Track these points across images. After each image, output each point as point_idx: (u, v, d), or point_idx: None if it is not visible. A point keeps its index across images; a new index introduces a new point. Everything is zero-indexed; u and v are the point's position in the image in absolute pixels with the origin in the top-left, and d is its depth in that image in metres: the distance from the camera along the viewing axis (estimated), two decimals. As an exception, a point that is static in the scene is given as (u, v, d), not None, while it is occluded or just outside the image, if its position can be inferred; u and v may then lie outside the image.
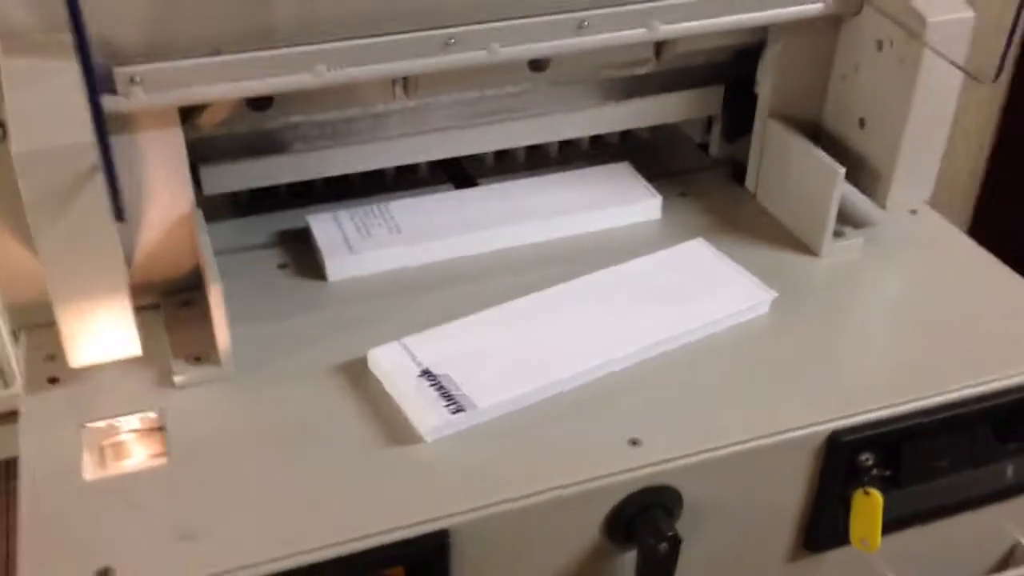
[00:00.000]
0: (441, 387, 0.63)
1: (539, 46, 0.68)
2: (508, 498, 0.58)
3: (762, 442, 0.62)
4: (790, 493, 0.65)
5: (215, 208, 0.81)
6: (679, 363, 0.67)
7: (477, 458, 0.60)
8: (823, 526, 0.67)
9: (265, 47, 0.62)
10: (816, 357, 0.68)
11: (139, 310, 0.68)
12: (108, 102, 0.60)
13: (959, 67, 0.68)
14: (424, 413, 0.61)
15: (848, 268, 0.76)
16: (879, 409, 0.64)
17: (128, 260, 0.68)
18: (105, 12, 0.58)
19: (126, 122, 0.63)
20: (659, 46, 0.78)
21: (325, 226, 0.77)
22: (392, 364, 0.64)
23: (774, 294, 0.71)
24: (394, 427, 0.62)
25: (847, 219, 0.80)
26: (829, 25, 0.77)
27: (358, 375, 0.66)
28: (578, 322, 0.68)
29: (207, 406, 0.63)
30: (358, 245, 0.75)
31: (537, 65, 0.75)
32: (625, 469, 0.60)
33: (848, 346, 0.70)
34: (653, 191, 0.82)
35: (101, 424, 0.62)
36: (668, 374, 0.66)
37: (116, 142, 0.63)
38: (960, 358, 0.68)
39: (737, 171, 0.87)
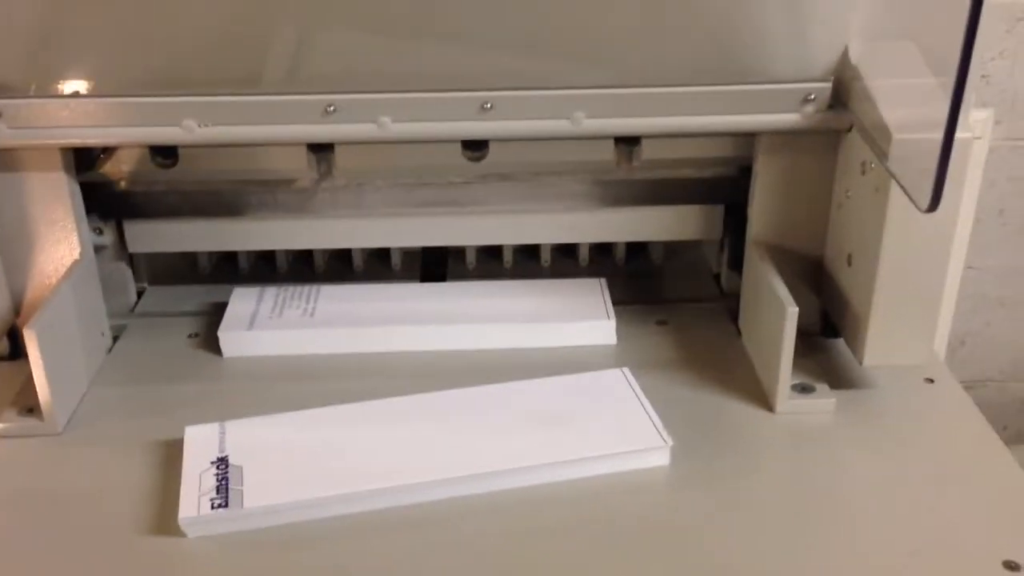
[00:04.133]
0: (225, 479, 0.56)
1: (437, 126, 0.62)
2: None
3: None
4: None
5: (178, 271, 0.80)
6: (518, 501, 0.56)
7: (224, 566, 0.52)
8: None
9: (134, 94, 0.60)
10: (695, 533, 0.54)
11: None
12: (-25, 135, 0.60)
13: (904, 190, 0.54)
14: (188, 504, 0.54)
15: (802, 434, 0.61)
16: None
17: (17, 302, 0.68)
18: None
19: (10, 158, 0.63)
20: (625, 149, 0.69)
21: (244, 300, 0.73)
22: (198, 445, 0.58)
23: (668, 442, 0.58)
24: (167, 514, 0.55)
25: (839, 376, 0.66)
26: (825, 143, 0.65)
27: (180, 453, 0.60)
28: (427, 434, 0.59)
29: (6, 459, 0.60)
30: (262, 323, 0.70)
31: (473, 152, 0.68)
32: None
33: (739, 527, 0.55)
34: (609, 312, 0.71)
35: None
36: (500, 511, 0.55)
37: (-2, 179, 0.64)
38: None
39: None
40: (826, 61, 0.61)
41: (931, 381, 0.66)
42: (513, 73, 0.61)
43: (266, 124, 0.61)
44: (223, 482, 0.55)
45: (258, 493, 0.54)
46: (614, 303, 0.74)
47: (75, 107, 0.60)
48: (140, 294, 0.78)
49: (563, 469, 0.57)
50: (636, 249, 0.82)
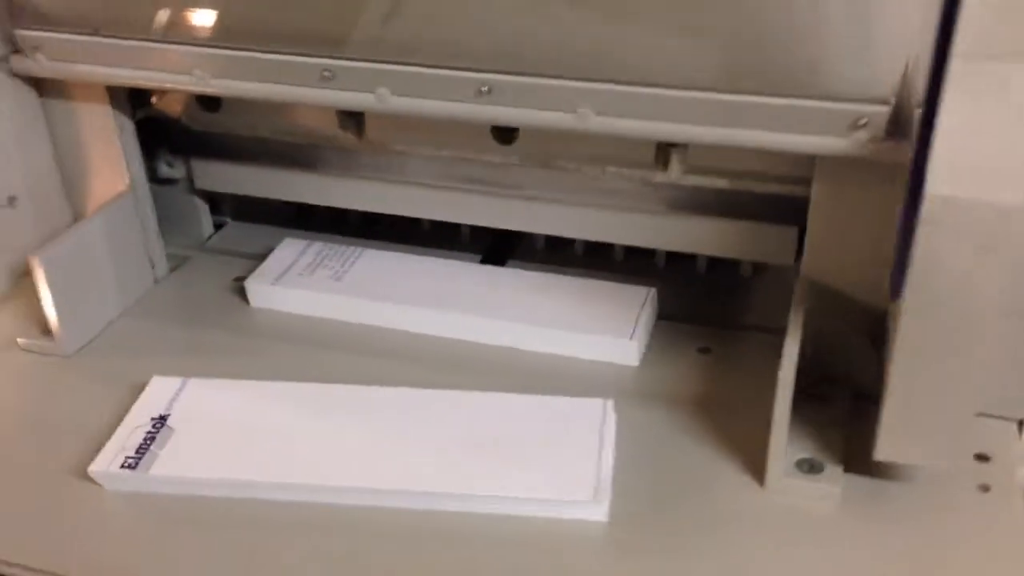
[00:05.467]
0: (152, 439, 0.55)
1: (433, 104, 0.56)
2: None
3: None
4: None
5: (261, 209, 0.81)
6: (416, 525, 0.51)
7: (113, 525, 0.52)
8: None
9: (151, 39, 0.60)
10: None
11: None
12: (16, 62, 0.63)
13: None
14: (106, 455, 0.55)
15: (788, 523, 0.51)
16: None
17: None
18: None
19: (62, 87, 0.66)
20: (667, 151, 0.60)
21: (288, 251, 0.72)
22: (152, 397, 0.59)
23: (599, 500, 0.51)
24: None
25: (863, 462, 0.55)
26: (897, 174, 0.52)
27: (152, 399, 0.61)
28: (362, 433, 0.55)
29: (10, 369, 0.64)
30: (290, 280, 0.69)
31: (502, 134, 0.63)
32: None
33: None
34: (637, 331, 0.63)
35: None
36: (394, 531, 0.51)
37: (53, 105, 0.67)
38: None
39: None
40: (888, 78, 0.49)
41: (986, 489, 0.53)
42: (514, 56, 0.54)
43: (268, 83, 0.59)
44: (148, 442, 0.55)
45: (171, 462, 0.54)
46: (668, 317, 0.66)
47: (97, 46, 0.61)
48: (221, 227, 0.80)
49: (476, 502, 0.52)
50: (724, 259, 0.72)
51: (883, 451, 0.50)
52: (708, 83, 0.52)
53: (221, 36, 0.58)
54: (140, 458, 0.54)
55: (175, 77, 0.60)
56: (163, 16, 0.59)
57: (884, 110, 0.49)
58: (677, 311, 0.68)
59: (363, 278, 0.69)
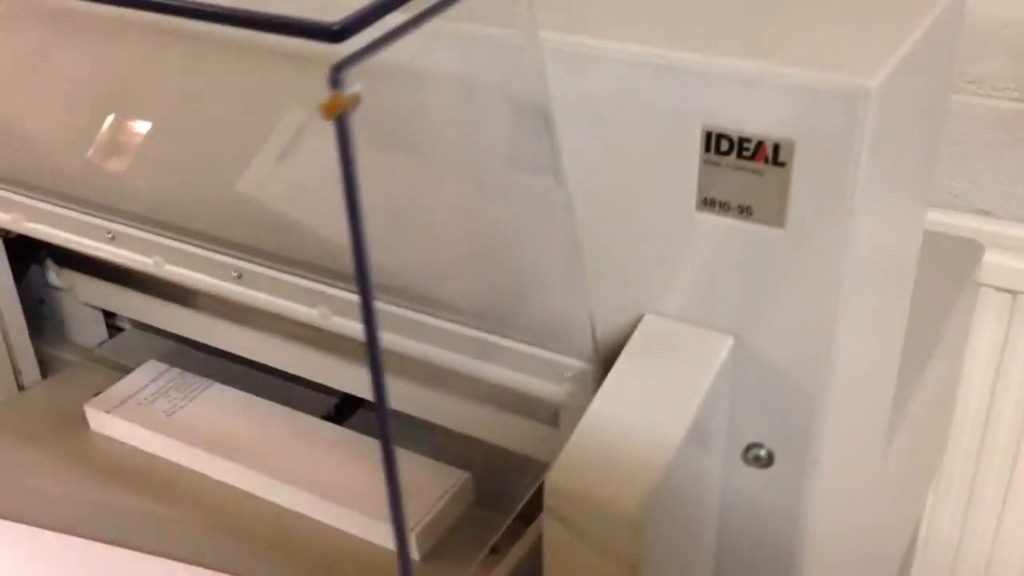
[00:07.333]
0: None
1: (199, 277, 0.56)
2: None
3: None
4: None
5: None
6: None
7: None
8: None
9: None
10: None
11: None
12: None
13: None
14: None
15: None
16: None
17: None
18: None
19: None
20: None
21: (144, 375, 0.73)
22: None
23: None
24: None
25: None
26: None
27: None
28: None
29: None
30: (126, 409, 0.70)
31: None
32: None
33: None
34: (421, 523, 0.59)
35: None
36: None
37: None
38: None
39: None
40: (588, 340, 0.45)
41: None
42: (262, 247, 0.52)
43: (64, 232, 0.60)
44: None
45: None
46: (491, 505, 0.63)
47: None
48: (121, 330, 0.82)
49: None
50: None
51: None
52: (453, 314, 0.49)
53: (29, 187, 0.60)
54: None
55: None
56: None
57: (586, 367, 0.45)
58: (504, 499, 0.64)
59: (193, 417, 0.69)
